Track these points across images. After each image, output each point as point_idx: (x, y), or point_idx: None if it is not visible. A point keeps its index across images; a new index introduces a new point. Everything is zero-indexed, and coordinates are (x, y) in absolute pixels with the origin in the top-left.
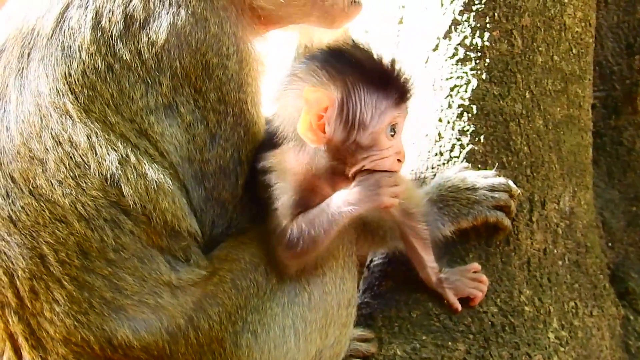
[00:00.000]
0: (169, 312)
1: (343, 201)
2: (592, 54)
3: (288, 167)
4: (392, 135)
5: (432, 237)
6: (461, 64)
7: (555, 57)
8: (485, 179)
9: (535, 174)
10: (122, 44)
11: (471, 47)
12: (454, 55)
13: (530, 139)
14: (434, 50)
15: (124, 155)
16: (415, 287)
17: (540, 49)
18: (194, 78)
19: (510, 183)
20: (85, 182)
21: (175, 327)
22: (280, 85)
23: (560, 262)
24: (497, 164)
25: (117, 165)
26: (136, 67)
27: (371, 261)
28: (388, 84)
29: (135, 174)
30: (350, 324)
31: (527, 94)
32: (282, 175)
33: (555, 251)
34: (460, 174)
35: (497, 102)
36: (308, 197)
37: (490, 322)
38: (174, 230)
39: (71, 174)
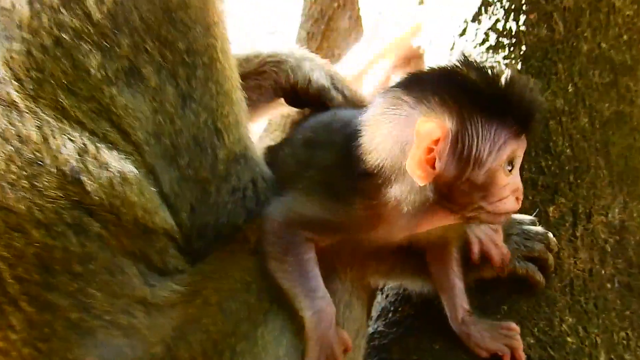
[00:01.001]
0: (143, 337)
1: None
2: None
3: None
4: (510, 171)
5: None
6: (493, 52)
7: (603, 45)
8: (519, 225)
9: (579, 181)
10: (67, 11)
11: (504, 32)
12: (484, 41)
13: (573, 139)
14: (461, 35)
15: (81, 144)
16: (439, 314)
17: (585, 34)
18: (156, 27)
19: (550, 235)
20: (42, 182)
21: (151, 356)
22: (376, 105)
23: (609, 285)
24: (534, 168)
25: (77, 157)
26: (88, 32)
27: (385, 283)
28: (508, 111)
29: (96, 166)
30: (358, 358)
31: (569, 87)
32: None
33: (603, 272)
34: None
35: None
36: (357, 228)
37: (526, 356)
38: (146, 228)
39: (24, 174)
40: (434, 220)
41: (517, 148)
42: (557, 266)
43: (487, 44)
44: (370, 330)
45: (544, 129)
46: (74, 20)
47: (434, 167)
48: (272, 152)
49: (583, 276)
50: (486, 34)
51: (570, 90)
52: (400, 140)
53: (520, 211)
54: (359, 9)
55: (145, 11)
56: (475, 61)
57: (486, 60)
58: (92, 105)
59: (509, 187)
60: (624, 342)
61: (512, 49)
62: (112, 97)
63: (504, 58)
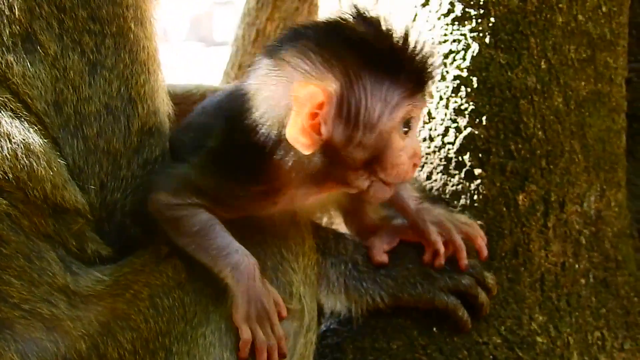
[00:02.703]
0: (67, 330)
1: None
2: (628, 13)
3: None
4: (406, 133)
5: (367, 304)
6: (458, 24)
7: (580, 17)
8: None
9: (552, 167)
10: None
11: (471, 2)
12: (449, 12)
13: (546, 121)
14: (424, 5)
15: None
16: (397, 311)
17: (560, 5)
18: None
19: (486, 273)
20: None
21: (76, 353)
22: (259, 67)
23: (583, 281)
24: (502, 152)
25: None
26: None
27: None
28: (401, 67)
29: None
30: (309, 357)
31: (542, 63)
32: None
33: (577, 266)
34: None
35: (504, 74)
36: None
37: (492, 356)
38: (57, 206)
39: None
40: (330, 190)
41: (413, 108)
42: (526, 259)
43: (452, 15)
44: (323, 328)
45: (514, 109)
46: None
47: (320, 134)
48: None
49: (555, 270)
50: (451, 3)
51: (543, 67)
52: (283, 106)
53: (486, 199)
54: None
55: None
56: (365, 12)
57: (451, 33)
58: None
59: (406, 151)
60: (599, 342)
61: (479, 20)
62: (9, 65)
63: (471, 31)
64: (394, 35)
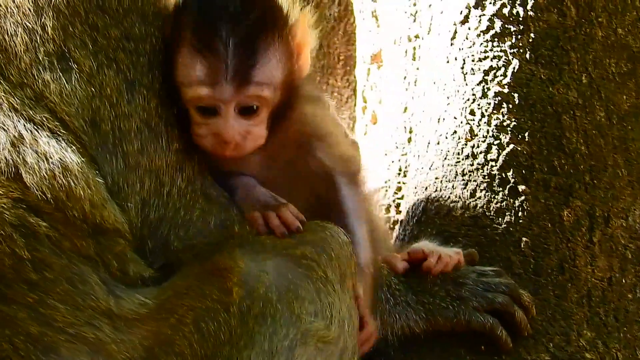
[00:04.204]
0: (111, 354)
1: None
2: None
3: None
4: (207, 117)
5: (402, 328)
6: (498, 41)
7: (620, 30)
8: (478, 275)
9: (595, 182)
10: None
11: (511, 19)
12: (488, 29)
13: (588, 136)
14: (463, 22)
15: (17, 135)
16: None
17: (600, 20)
18: (83, 13)
19: (521, 291)
20: None
21: None
22: None
23: (630, 295)
24: (546, 168)
25: (10, 148)
26: (11, 12)
27: None
28: (202, 48)
29: (35, 156)
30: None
31: (583, 78)
32: None
33: (624, 281)
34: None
35: (545, 89)
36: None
37: None
38: (97, 226)
39: None
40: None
41: (211, 97)
42: (572, 275)
43: (492, 32)
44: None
45: (556, 125)
46: None
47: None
48: None
49: (602, 286)
50: (490, 20)
51: (584, 82)
52: None
53: (530, 216)
54: None
55: None
56: None
57: (491, 50)
58: (25, 92)
59: (207, 128)
60: None
61: (519, 36)
62: (46, 83)
63: (511, 47)
64: (215, 8)
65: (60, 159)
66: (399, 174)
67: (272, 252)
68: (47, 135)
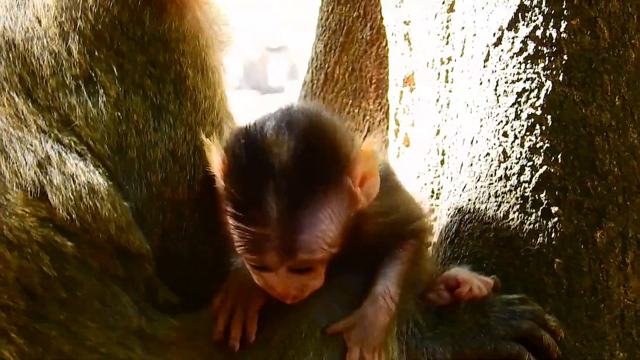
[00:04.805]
0: None
1: None
2: None
3: None
4: (261, 272)
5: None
6: (531, 63)
7: None
8: (504, 304)
9: (629, 203)
10: (19, 11)
11: (544, 41)
12: (521, 51)
13: (622, 157)
14: (496, 45)
15: (44, 155)
16: None
17: (633, 41)
18: (108, 38)
19: (547, 316)
20: (6, 199)
21: None
22: None
23: None
24: (579, 190)
25: (37, 170)
26: (38, 35)
27: None
28: (245, 215)
29: (61, 177)
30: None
31: (616, 100)
32: None
33: None
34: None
35: (578, 111)
36: None
37: None
38: (123, 250)
39: None
40: None
41: (261, 263)
42: (605, 296)
43: (525, 54)
44: None
45: (589, 146)
46: (24, 23)
47: None
48: None
49: (635, 307)
50: (524, 42)
51: (617, 104)
52: None
53: (563, 237)
54: (381, 18)
55: (94, 21)
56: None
57: (524, 72)
58: (53, 115)
59: (261, 279)
60: None
61: (552, 58)
62: (72, 108)
63: (544, 69)
64: (257, 197)
65: (87, 180)
66: (432, 196)
67: None
68: (74, 157)
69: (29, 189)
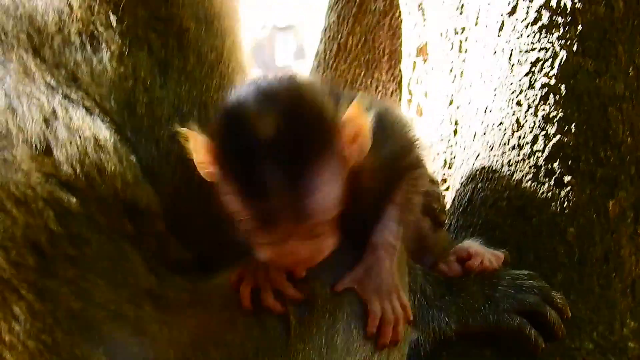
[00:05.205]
0: (154, 335)
1: None
2: None
3: None
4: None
5: (433, 331)
6: (546, 32)
7: None
8: (512, 278)
9: None
10: None
11: (558, 10)
12: (536, 20)
13: (635, 128)
14: (510, 14)
15: (51, 111)
16: None
17: None
18: None
19: (553, 293)
20: (12, 155)
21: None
22: None
23: None
24: (592, 160)
25: (42, 125)
26: None
27: None
28: (242, 193)
29: (67, 132)
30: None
31: (630, 70)
32: None
33: None
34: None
35: (592, 81)
36: None
37: None
38: (131, 205)
39: None
40: None
41: (262, 236)
42: (617, 265)
43: (539, 23)
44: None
45: (603, 117)
46: None
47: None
48: None
49: None
50: (538, 11)
51: (631, 74)
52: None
53: (576, 207)
54: None
55: None
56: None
57: (538, 41)
58: (61, 72)
59: (268, 249)
60: None
61: (567, 28)
62: (77, 64)
63: (558, 39)
64: (257, 167)
65: (93, 135)
66: (445, 165)
67: None
68: (81, 112)
69: (34, 144)
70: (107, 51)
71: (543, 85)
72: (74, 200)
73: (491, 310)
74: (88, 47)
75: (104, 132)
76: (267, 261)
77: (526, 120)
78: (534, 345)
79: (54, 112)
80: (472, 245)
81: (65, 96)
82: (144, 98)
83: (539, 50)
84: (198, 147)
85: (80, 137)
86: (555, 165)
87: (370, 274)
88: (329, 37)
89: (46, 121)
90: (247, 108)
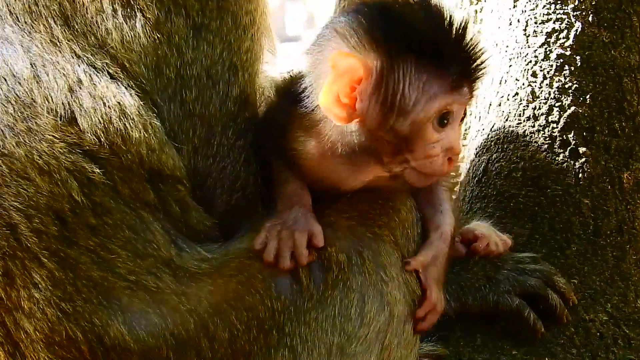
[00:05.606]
0: (173, 305)
1: None
2: None
3: (308, 144)
4: (443, 127)
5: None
6: (561, 3)
7: None
8: (515, 261)
9: None
10: None
11: None
12: None
13: None
14: None
15: (76, 79)
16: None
17: None
18: None
19: (556, 277)
20: (37, 124)
21: (184, 330)
22: (316, 38)
23: None
24: (607, 131)
25: (67, 93)
26: None
27: None
28: (444, 59)
29: (91, 100)
30: (416, 341)
31: None
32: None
33: None
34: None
35: (607, 52)
36: (317, 182)
37: (598, 334)
38: (155, 172)
39: (20, 116)
40: (368, 171)
41: (453, 102)
42: (631, 237)
43: None
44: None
45: (618, 88)
46: None
47: (354, 109)
48: None
49: None
50: None
51: None
52: (325, 74)
53: (591, 178)
54: None
55: None
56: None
57: (554, 12)
58: (89, 40)
59: (440, 144)
60: None
61: None
62: (108, 31)
63: (574, 10)
64: (445, 26)
65: (118, 102)
66: None
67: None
68: (106, 79)
69: (59, 113)
70: (141, 19)
71: (558, 56)
72: (97, 169)
73: (491, 291)
74: (121, 14)
75: (129, 99)
76: (430, 169)
77: (541, 91)
78: (533, 329)
79: (79, 80)
80: (480, 226)
81: (91, 64)
82: (175, 61)
83: (555, 21)
84: (353, 67)
85: (104, 105)
86: (570, 136)
87: (435, 262)
88: (344, 6)
89: (71, 90)
90: (421, 8)
